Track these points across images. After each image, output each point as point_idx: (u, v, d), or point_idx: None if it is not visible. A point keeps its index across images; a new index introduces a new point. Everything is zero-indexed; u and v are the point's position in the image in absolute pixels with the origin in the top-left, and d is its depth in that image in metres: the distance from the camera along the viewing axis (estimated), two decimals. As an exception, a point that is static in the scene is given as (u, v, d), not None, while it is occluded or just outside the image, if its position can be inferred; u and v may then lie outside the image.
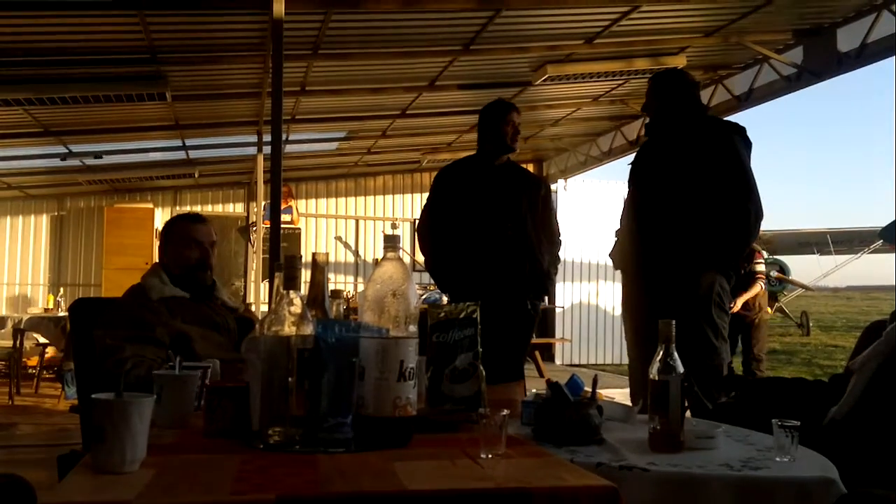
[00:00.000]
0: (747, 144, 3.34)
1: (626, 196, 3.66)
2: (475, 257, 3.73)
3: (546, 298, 4.67)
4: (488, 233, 3.74)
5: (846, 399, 2.37)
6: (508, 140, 3.80)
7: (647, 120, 3.65)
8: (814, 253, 19.12)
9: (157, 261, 2.62)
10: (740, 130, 3.37)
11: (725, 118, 4.01)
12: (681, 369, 1.74)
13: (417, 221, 4.04)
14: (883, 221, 15.31)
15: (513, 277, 3.72)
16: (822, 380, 2.81)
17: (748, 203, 3.24)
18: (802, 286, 18.17)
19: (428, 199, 4.01)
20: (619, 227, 3.67)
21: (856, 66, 6.05)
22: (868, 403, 2.29)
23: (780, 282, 17.05)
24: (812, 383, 2.74)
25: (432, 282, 4.49)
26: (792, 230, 19.61)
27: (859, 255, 18.75)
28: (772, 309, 17.51)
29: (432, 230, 3.89)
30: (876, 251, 18.37)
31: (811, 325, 17.41)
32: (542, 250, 3.83)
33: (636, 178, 3.57)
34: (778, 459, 1.69)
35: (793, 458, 1.69)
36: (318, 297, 1.51)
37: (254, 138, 8.42)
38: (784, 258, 17.65)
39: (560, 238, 4.01)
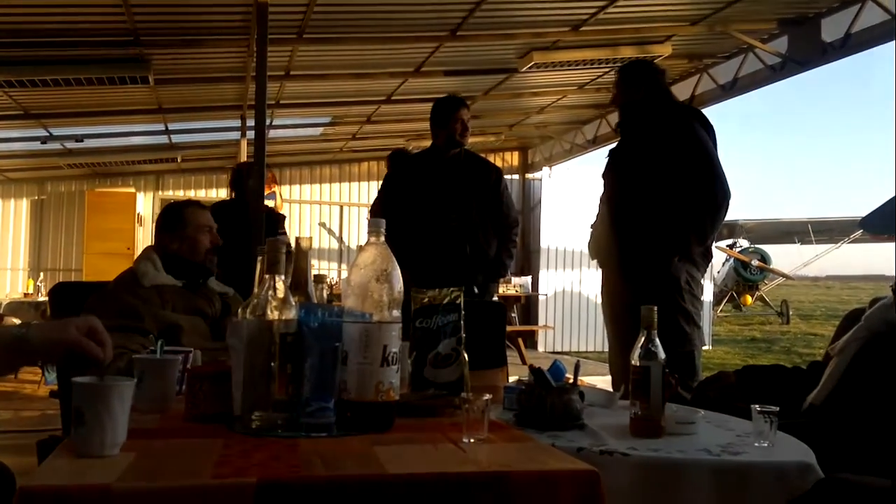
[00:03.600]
0: (707, 129, 3.41)
1: (602, 189, 3.73)
2: (419, 247, 3.81)
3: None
4: (432, 223, 3.87)
5: (825, 383, 2.39)
6: (457, 136, 3.94)
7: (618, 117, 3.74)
8: (795, 242, 19.31)
9: (152, 245, 2.56)
10: (698, 116, 3.45)
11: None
12: (662, 355, 1.76)
13: (371, 206, 4.24)
14: (863, 211, 15.48)
15: (455, 264, 3.82)
16: (801, 367, 2.84)
17: (714, 186, 3.33)
18: (783, 275, 18.36)
19: (382, 187, 4.17)
20: (594, 219, 3.74)
21: (840, 56, 6.09)
22: (846, 388, 2.32)
23: (760, 271, 17.22)
24: (791, 370, 2.77)
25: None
26: (773, 219, 19.78)
27: (839, 244, 18.94)
28: (752, 297, 17.75)
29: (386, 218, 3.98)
30: (856, 241, 18.56)
31: (791, 313, 17.59)
32: (489, 235, 3.97)
33: (610, 172, 3.64)
34: (757, 445, 1.71)
35: (771, 443, 1.71)
36: (301, 281, 1.51)
37: (237, 123, 8.36)
38: (765, 247, 17.82)
39: (514, 220, 4.11)
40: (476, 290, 3.92)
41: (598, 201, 3.74)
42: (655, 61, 6.76)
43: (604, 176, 3.72)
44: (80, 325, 1.25)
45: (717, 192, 3.34)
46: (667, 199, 3.37)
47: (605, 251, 3.67)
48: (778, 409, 1.73)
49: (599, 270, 3.85)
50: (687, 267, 3.42)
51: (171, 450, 1.19)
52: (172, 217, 2.56)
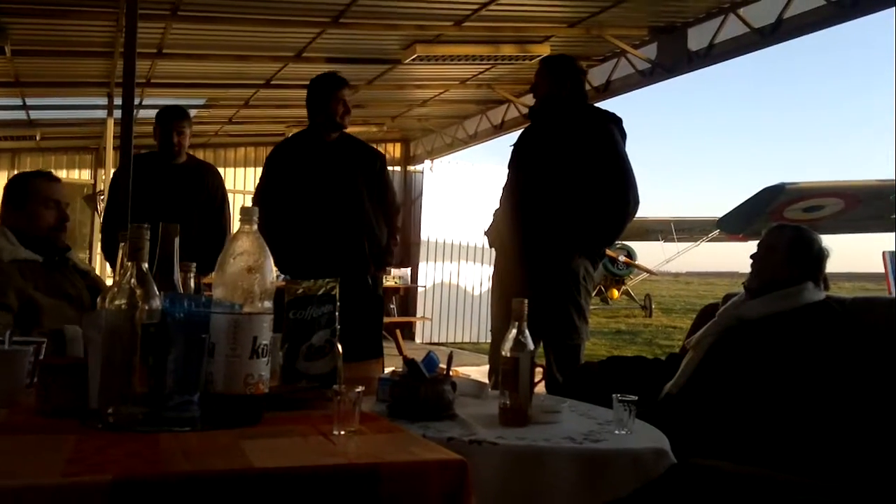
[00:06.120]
0: (623, 135, 3.50)
1: (506, 177, 3.73)
2: (312, 235, 3.65)
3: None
4: (324, 210, 3.67)
5: (680, 374, 2.54)
6: (338, 118, 3.67)
7: (533, 103, 3.71)
8: (658, 240, 20.35)
9: None
10: (617, 121, 3.52)
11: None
12: (531, 347, 1.81)
13: (253, 195, 3.96)
14: (720, 212, 16.53)
15: (351, 254, 3.67)
16: (661, 358, 3.01)
17: (627, 192, 3.41)
18: (647, 271, 19.34)
19: (260, 178, 3.91)
20: (497, 206, 3.74)
21: (705, 65, 6.46)
22: (700, 379, 2.48)
23: (627, 266, 18.09)
24: (651, 361, 2.93)
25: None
26: (639, 218, 20.65)
27: (698, 242, 20.16)
28: (619, 291, 18.61)
29: (265, 210, 3.78)
30: (713, 240, 19.83)
31: (654, 307, 18.56)
32: (380, 224, 3.80)
33: (517, 161, 3.66)
34: (616, 432, 1.79)
35: (630, 430, 1.80)
36: (166, 270, 1.45)
37: (104, 101, 7.91)
38: (631, 244, 18.70)
39: (398, 207, 3.98)
40: (370, 282, 3.77)
41: (503, 189, 3.73)
42: (533, 60, 6.97)
43: (509, 166, 3.70)
44: None
45: (630, 198, 3.40)
46: (577, 197, 3.39)
47: (504, 240, 3.65)
48: (637, 398, 1.82)
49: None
50: (584, 263, 3.48)
51: (18, 446, 1.12)
52: (15, 190, 2.42)
